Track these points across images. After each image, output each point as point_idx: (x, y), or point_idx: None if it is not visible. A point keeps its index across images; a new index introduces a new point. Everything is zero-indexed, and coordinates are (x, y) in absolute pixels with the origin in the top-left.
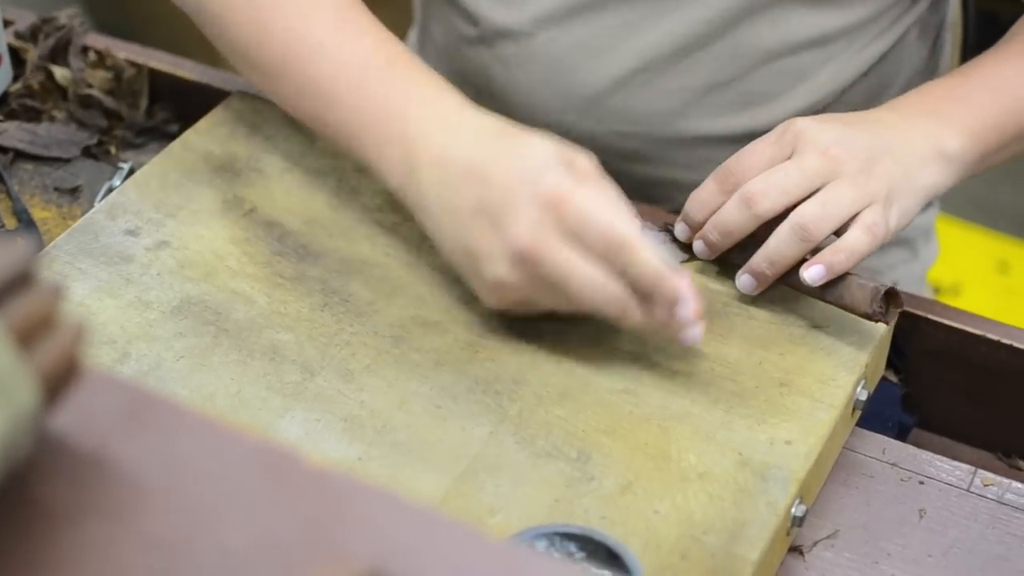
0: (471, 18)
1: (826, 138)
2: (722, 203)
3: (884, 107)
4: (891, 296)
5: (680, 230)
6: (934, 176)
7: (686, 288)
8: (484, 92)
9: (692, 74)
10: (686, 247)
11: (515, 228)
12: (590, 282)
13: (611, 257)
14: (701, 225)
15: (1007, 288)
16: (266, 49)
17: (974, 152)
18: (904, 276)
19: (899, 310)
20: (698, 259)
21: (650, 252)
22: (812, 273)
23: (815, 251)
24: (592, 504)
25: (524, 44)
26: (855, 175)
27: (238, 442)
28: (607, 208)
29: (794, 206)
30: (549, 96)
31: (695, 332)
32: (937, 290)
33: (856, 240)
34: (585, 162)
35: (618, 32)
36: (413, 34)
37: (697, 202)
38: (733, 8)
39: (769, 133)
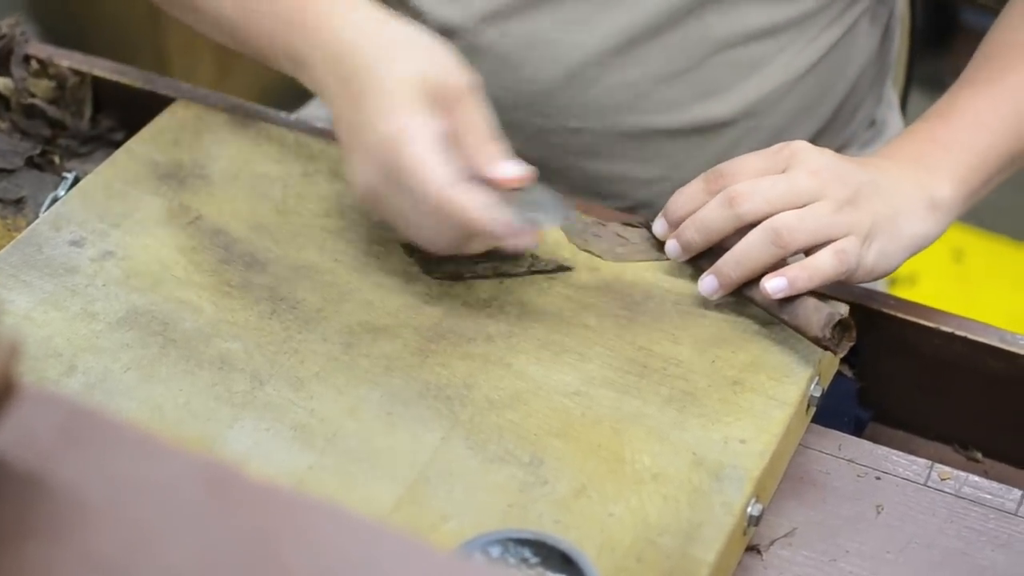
0: (416, 13)
1: (821, 162)
2: (705, 203)
3: (878, 154)
4: (844, 326)
5: (659, 226)
6: (923, 225)
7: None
8: None
9: (642, 66)
10: (660, 245)
11: (353, 171)
12: (420, 232)
13: (440, 217)
14: (681, 221)
15: (962, 276)
16: None
17: (962, 197)
18: None
19: (851, 344)
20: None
21: (478, 214)
22: (774, 284)
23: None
24: (546, 508)
25: (470, 40)
26: (841, 202)
27: (180, 458)
28: (436, 166)
29: None
30: (497, 92)
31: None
32: (893, 281)
33: (823, 262)
34: (455, 89)
35: (566, 26)
36: None
37: (681, 199)
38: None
39: (767, 148)
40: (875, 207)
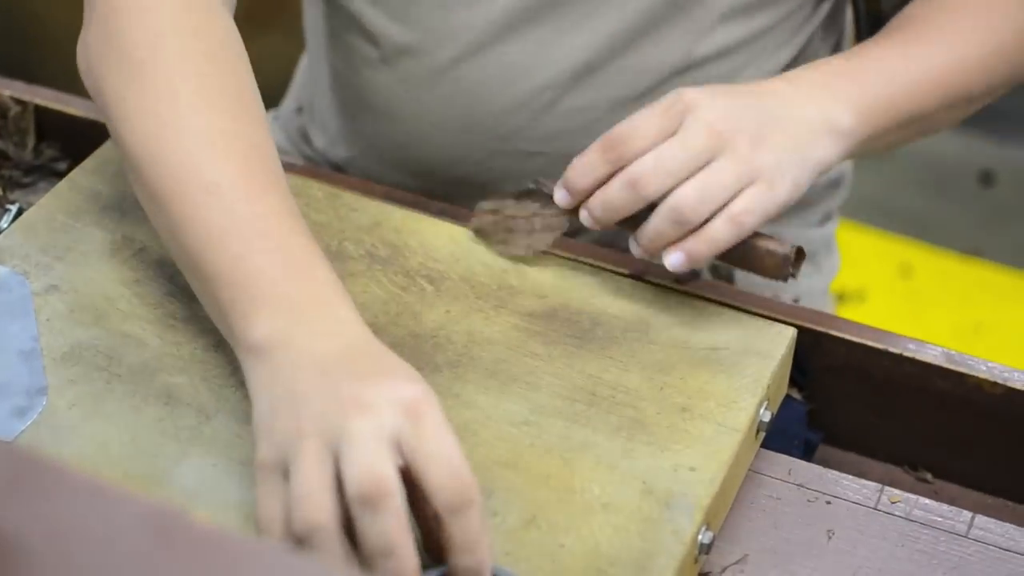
0: (372, 38)
1: (714, 114)
2: (605, 173)
3: (777, 78)
4: (799, 255)
5: (560, 196)
6: (825, 149)
7: None
8: (384, 114)
9: (596, 92)
10: (564, 212)
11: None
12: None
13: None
14: (582, 193)
15: (911, 291)
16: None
17: (864, 129)
18: (806, 291)
19: (803, 260)
20: (585, 227)
21: None
22: (672, 261)
23: None
24: (496, 539)
25: (427, 63)
26: (742, 152)
27: (127, 504)
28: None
29: None
30: (452, 116)
31: None
32: (841, 297)
33: (717, 231)
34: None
35: (522, 53)
36: (303, 60)
37: (579, 168)
38: (634, 24)
39: (657, 102)
40: (778, 141)
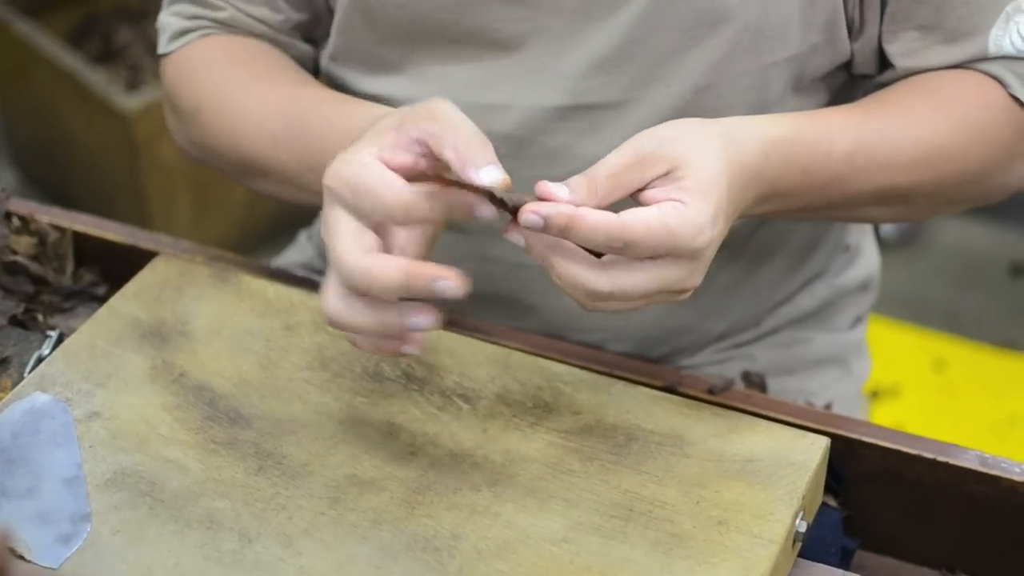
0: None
1: (711, 250)
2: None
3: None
4: None
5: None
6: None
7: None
8: None
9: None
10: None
11: (324, 293)
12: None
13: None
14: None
15: (944, 386)
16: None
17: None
18: (838, 394)
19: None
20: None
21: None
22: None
23: None
24: None
25: None
26: (689, 283)
27: None
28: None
29: None
30: (474, 229)
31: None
32: (876, 394)
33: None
34: (427, 110)
35: (541, 166)
36: None
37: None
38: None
39: (670, 210)
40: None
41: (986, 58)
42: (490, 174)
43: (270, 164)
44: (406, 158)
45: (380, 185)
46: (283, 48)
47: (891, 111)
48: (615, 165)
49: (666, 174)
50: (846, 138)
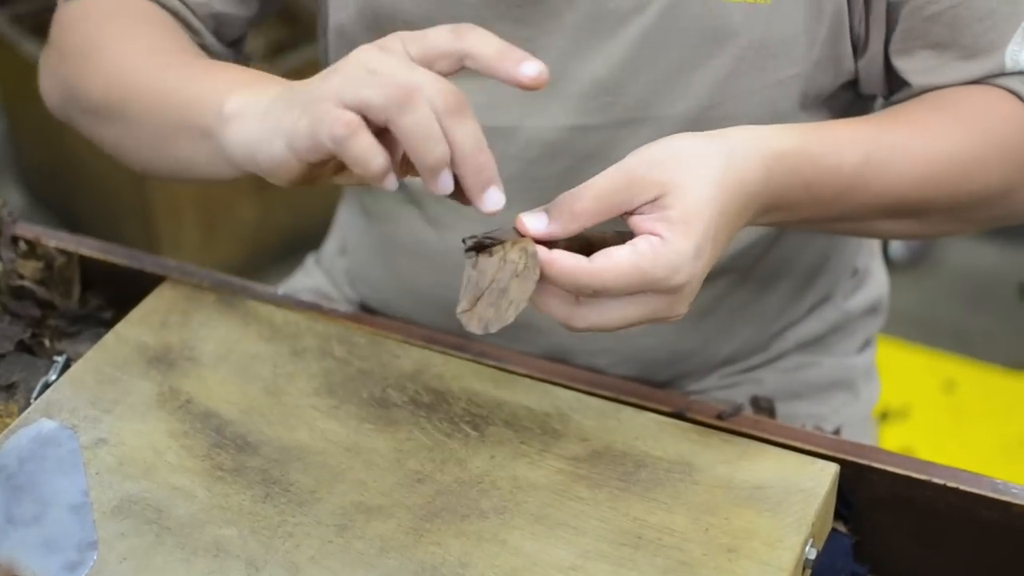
0: None
1: (694, 284)
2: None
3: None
4: None
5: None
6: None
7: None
8: (413, 252)
9: None
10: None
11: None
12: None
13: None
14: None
15: (954, 407)
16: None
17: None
18: (848, 419)
19: None
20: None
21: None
22: (528, 222)
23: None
24: None
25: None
26: (674, 310)
27: None
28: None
29: None
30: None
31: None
32: (885, 416)
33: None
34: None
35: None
36: (343, 200)
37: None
38: None
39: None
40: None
41: (1004, 73)
42: (493, 198)
43: (135, 110)
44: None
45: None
46: (191, 32)
47: (905, 124)
48: (604, 188)
49: (654, 200)
50: (856, 151)
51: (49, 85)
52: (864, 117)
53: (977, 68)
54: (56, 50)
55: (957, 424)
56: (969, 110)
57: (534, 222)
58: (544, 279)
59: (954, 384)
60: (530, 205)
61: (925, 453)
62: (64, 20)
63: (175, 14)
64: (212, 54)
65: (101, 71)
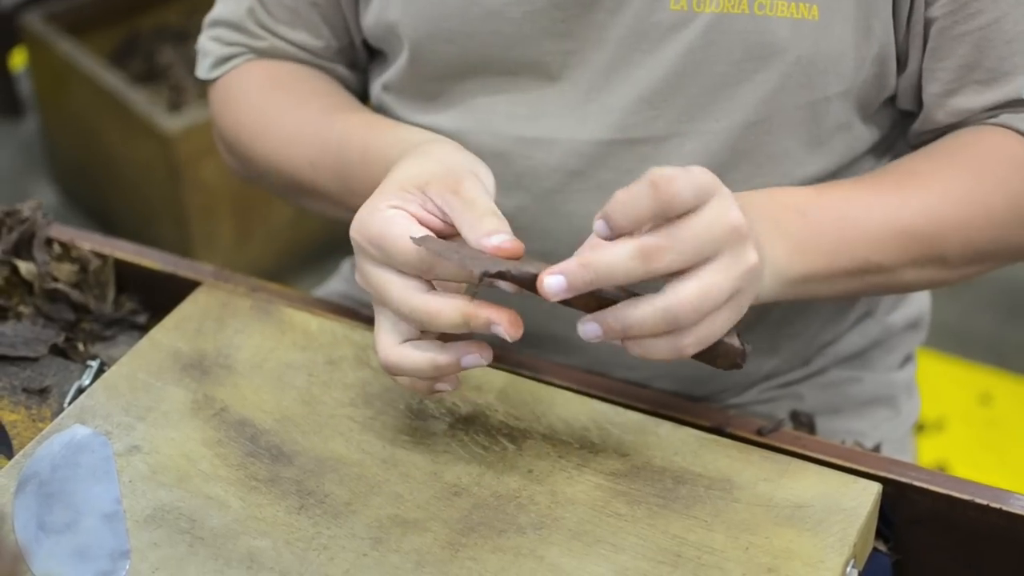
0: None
1: (737, 215)
2: (648, 210)
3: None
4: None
5: (600, 227)
6: (767, 293)
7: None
8: None
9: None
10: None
11: (379, 342)
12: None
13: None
14: (624, 229)
15: (990, 420)
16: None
17: (800, 268)
18: (888, 435)
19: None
20: None
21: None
22: (587, 331)
23: None
24: None
25: None
26: (738, 264)
27: None
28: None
29: None
30: None
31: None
32: (921, 427)
33: (686, 347)
34: (453, 174)
35: (586, 200)
36: None
37: (625, 202)
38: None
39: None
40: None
41: (1019, 100)
42: (499, 239)
43: (311, 187)
44: (431, 221)
45: (404, 240)
46: (326, 72)
47: (907, 179)
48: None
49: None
50: (872, 215)
51: (232, 167)
52: (873, 174)
53: (992, 96)
54: (219, 137)
55: (993, 437)
56: (983, 159)
57: (552, 283)
58: (602, 279)
59: (990, 397)
60: (568, 218)
61: (960, 466)
62: (214, 105)
63: (311, 64)
64: (352, 85)
65: (266, 157)
